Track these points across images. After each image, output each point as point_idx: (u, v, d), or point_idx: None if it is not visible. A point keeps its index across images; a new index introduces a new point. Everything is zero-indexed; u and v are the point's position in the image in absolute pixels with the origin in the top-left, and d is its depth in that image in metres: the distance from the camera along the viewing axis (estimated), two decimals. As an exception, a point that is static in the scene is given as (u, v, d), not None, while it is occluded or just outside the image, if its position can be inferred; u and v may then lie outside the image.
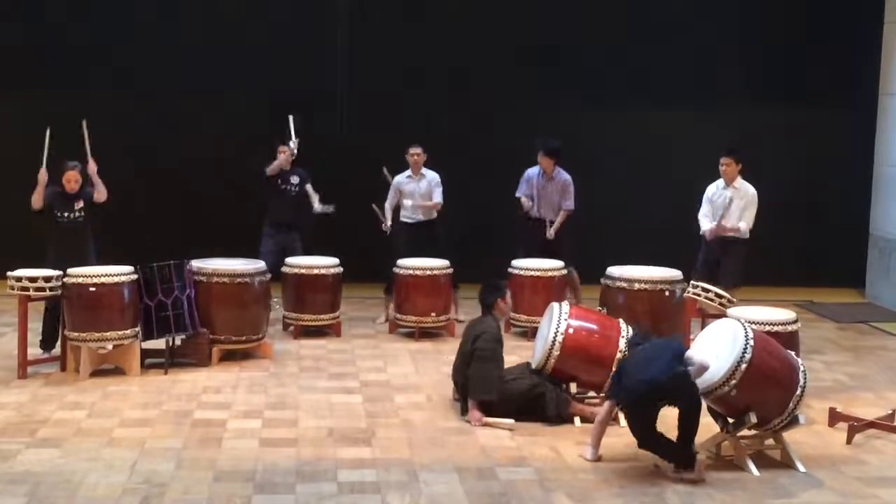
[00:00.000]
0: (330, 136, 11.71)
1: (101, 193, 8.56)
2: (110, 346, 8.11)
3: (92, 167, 8.56)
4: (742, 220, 9.06)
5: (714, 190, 9.26)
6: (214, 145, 11.62)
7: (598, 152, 11.78)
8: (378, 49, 12.05)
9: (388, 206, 10.21)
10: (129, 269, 8.17)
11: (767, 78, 12.40)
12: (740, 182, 9.15)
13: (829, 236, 12.47)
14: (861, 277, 12.23)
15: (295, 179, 10.10)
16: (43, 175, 8.43)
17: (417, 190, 10.15)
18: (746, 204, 9.11)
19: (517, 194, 10.16)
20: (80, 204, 8.55)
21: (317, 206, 10.06)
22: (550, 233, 9.95)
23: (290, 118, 9.99)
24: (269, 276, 8.92)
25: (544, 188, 10.05)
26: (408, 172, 10.17)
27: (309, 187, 10.11)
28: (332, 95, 12.03)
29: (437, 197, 10.12)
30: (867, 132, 12.17)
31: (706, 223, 9.16)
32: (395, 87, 12.01)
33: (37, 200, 8.41)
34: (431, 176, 10.19)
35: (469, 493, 5.78)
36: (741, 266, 9.07)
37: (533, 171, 10.10)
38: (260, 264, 8.91)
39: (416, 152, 10.09)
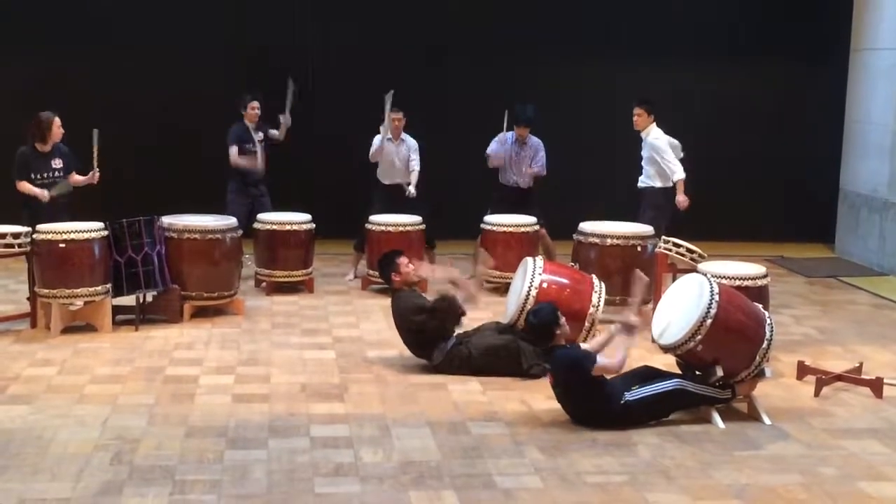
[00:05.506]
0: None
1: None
2: (81, 303, 8.06)
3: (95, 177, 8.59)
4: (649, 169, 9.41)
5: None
6: (180, 101, 11.53)
7: (572, 108, 11.74)
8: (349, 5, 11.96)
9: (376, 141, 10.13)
10: (99, 224, 8.09)
11: (741, 33, 12.38)
12: (648, 131, 9.39)
13: (800, 192, 12.54)
14: (831, 232, 12.31)
15: (260, 136, 10.06)
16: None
17: (397, 154, 10.12)
18: (650, 155, 9.35)
19: (487, 151, 10.13)
20: (59, 163, 8.43)
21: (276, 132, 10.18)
22: (526, 170, 9.99)
23: (290, 84, 10.06)
24: (240, 232, 8.88)
25: (518, 154, 10.07)
26: (389, 134, 10.13)
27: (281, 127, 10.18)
28: (301, 53, 11.93)
29: (415, 164, 10.12)
30: (839, 88, 12.19)
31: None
32: (365, 44, 11.92)
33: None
34: (411, 142, 10.19)
35: (441, 446, 5.81)
36: (652, 215, 9.19)
37: (506, 136, 10.08)
38: (231, 220, 8.87)
39: (396, 117, 10.04)
